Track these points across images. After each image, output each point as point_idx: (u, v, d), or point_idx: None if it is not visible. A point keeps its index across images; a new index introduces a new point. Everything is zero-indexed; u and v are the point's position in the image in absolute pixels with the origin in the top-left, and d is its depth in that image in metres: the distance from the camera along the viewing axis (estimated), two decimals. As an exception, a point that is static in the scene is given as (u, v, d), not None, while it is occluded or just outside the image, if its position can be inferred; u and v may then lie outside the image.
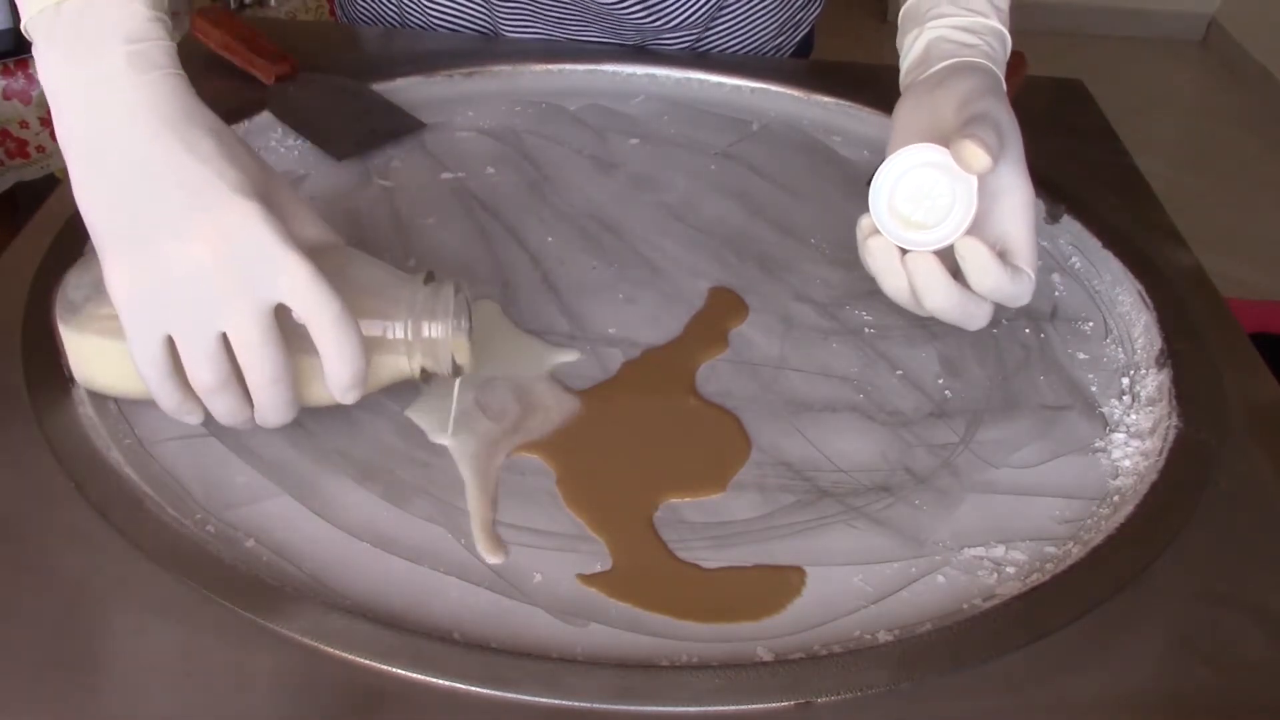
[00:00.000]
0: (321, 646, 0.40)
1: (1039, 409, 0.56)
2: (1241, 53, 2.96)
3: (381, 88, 0.75)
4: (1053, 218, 0.68)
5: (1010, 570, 0.47)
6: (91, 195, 0.44)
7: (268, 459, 0.49)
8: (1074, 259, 0.67)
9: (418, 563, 0.45)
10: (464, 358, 0.49)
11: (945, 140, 0.48)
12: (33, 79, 1.38)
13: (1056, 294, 0.64)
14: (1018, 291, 0.48)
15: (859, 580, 0.46)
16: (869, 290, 0.63)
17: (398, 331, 0.47)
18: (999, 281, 0.47)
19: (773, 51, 0.88)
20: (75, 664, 0.40)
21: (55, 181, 1.42)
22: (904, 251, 0.48)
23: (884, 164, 0.48)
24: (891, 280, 0.50)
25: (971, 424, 0.55)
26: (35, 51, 0.45)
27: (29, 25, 0.44)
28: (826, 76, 0.82)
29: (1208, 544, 0.48)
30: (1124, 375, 0.58)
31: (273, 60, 0.75)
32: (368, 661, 0.40)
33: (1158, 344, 0.58)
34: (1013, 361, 0.59)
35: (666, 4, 0.78)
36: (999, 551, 0.48)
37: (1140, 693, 0.42)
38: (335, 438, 0.51)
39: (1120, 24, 3.14)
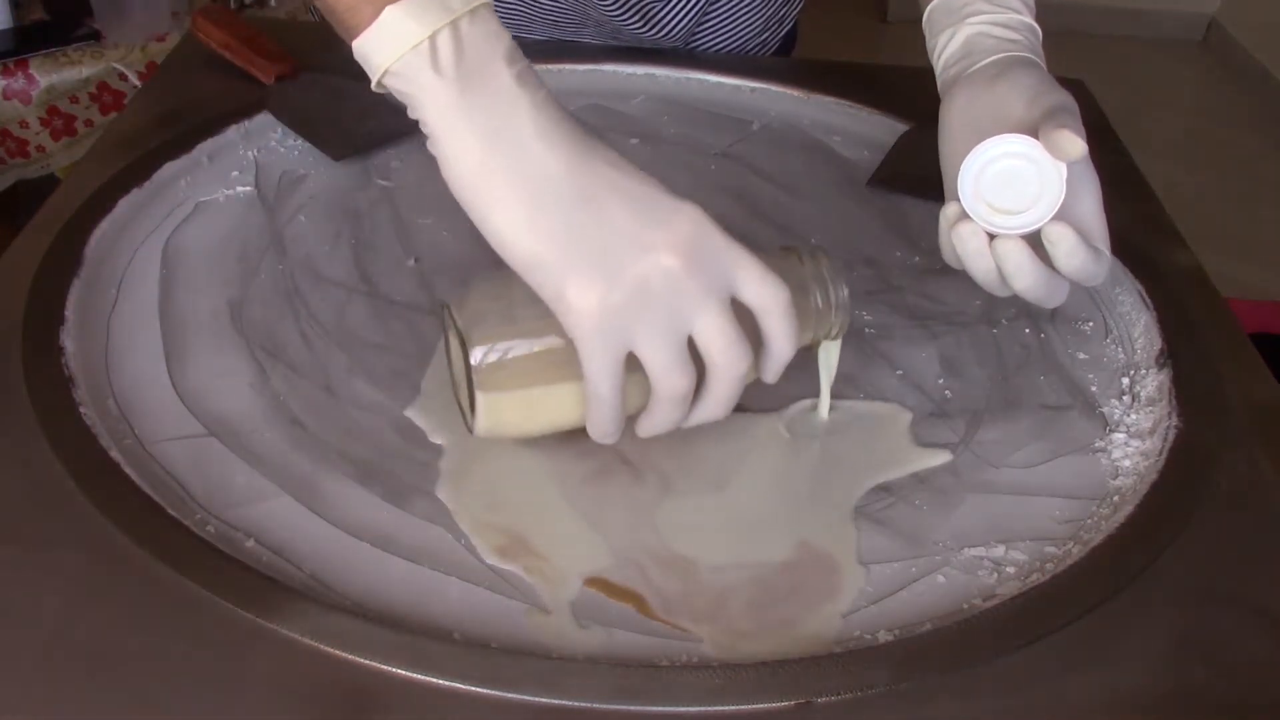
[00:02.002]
0: (321, 646, 0.40)
1: (1039, 409, 0.56)
2: (1241, 53, 2.96)
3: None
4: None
5: (1010, 570, 0.47)
6: (533, 227, 0.43)
7: (268, 459, 0.49)
8: (1074, 259, 0.66)
9: (418, 563, 0.45)
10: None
11: (1018, 130, 0.50)
12: (33, 79, 1.38)
13: (1056, 294, 0.64)
14: (1099, 270, 0.51)
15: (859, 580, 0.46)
16: (869, 290, 0.63)
17: (819, 301, 0.49)
18: (1085, 262, 0.49)
19: (758, 48, 0.88)
20: (75, 664, 0.40)
21: (55, 181, 1.42)
22: (990, 237, 0.50)
23: (972, 153, 0.50)
24: (980, 263, 0.51)
25: (971, 424, 0.55)
26: (417, 92, 0.43)
27: (396, 71, 0.43)
28: (826, 76, 0.82)
29: (1208, 544, 0.48)
30: (1124, 375, 0.58)
31: (273, 60, 0.75)
32: (368, 661, 0.40)
33: (1158, 344, 0.58)
34: (1013, 361, 0.59)
35: (658, 11, 0.79)
36: (999, 551, 0.48)
37: (1140, 693, 0.42)
38: (336, 438, 0.51)
39: (1120, 24, 3.14)
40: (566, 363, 0.45)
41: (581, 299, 0.43)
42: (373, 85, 0.44)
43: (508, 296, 0.46)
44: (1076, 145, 0.48)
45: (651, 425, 0.47)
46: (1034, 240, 0.50)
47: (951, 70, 0.57)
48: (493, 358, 0.45)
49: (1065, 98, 0.52)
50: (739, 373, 0.45)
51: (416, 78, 0.43)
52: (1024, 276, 0.50)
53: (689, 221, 0.44)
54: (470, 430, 0.48)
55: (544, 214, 0.43)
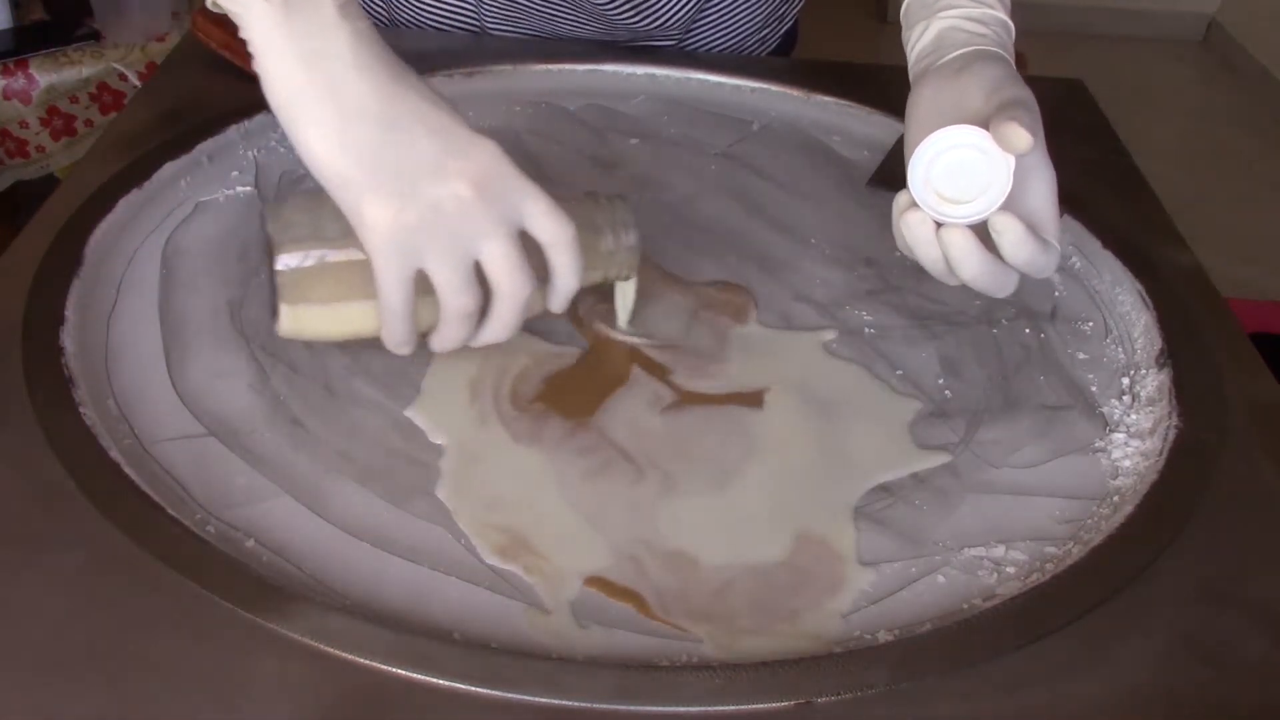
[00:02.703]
0: (321, 646, 0.40)
1: (1039, 409, 0.56)
2: (1241, 53, 2.95)
3: (381, 88, 0.75)
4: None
5: (1010, 570, 0.47)
6: (341, 146, 0.46)
7: (268, 459, 0.49)
8: (1074, 259, 0.66)
9: (418, 563, 0.45)
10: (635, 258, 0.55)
11: (975, 122, 0.51)
12: (33, 79, 1.37)
13: (1056, 294, 0.64)
14: (1047, 262, 0.51)
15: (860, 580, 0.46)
16: (869, 290, 0.63)
17: (610, 242, 0.53)
18: (1032, 253, 0.50)
19: (758, 44, 0.88)
20: (75, 664, 0.40)
21: (55, 181, 1.42)
22: (939, 226, 0.51)
23: (923, 143, 0.50)
24: (927, 251, 0.52)
25: (971, 424, 0.55)
26: (244, 12, 0.46)
27: None
28: (826, 76, 0.82)
29: (1208, 544, 0.48)
30: (1124, 375, 0.58)
31: (273, 60, 0.75)
32: (368, 661, 0.40)
33: (1158, 344, 0.58)
34: (1013, 361, 0.59)
35: (653, 4, 0.79)
36: (999, 551, 0.48)
37: (1140, 693, 0.42)
38: (336, 438, 0.51)
39: (1120, 24, 3.14)
40: (365, 278, 0.48)
41: (377, 215, 0.46)
42: (208, 4, 0.47)
43: (318, 211, 0.49)
44: (1023, 138, 0.49)
45: (441, 341, 0.50)
46: (984, 231, 0.50)
47: (922, 63, 0.58)
48: (294, 263, 0.49)
49: (1023, 92, 0.53)
50: (521, 298, 0.49)
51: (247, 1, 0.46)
52: (969, 265, 0.51)
53: (486, 155, 0.47)
54: (276, 330, 0.51)
55: (352, 135, 0.46)
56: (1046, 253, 0.51)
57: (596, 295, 0.58)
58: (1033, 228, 0.50)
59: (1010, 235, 0.49)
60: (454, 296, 0.48)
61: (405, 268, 0.47)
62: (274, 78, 0.46)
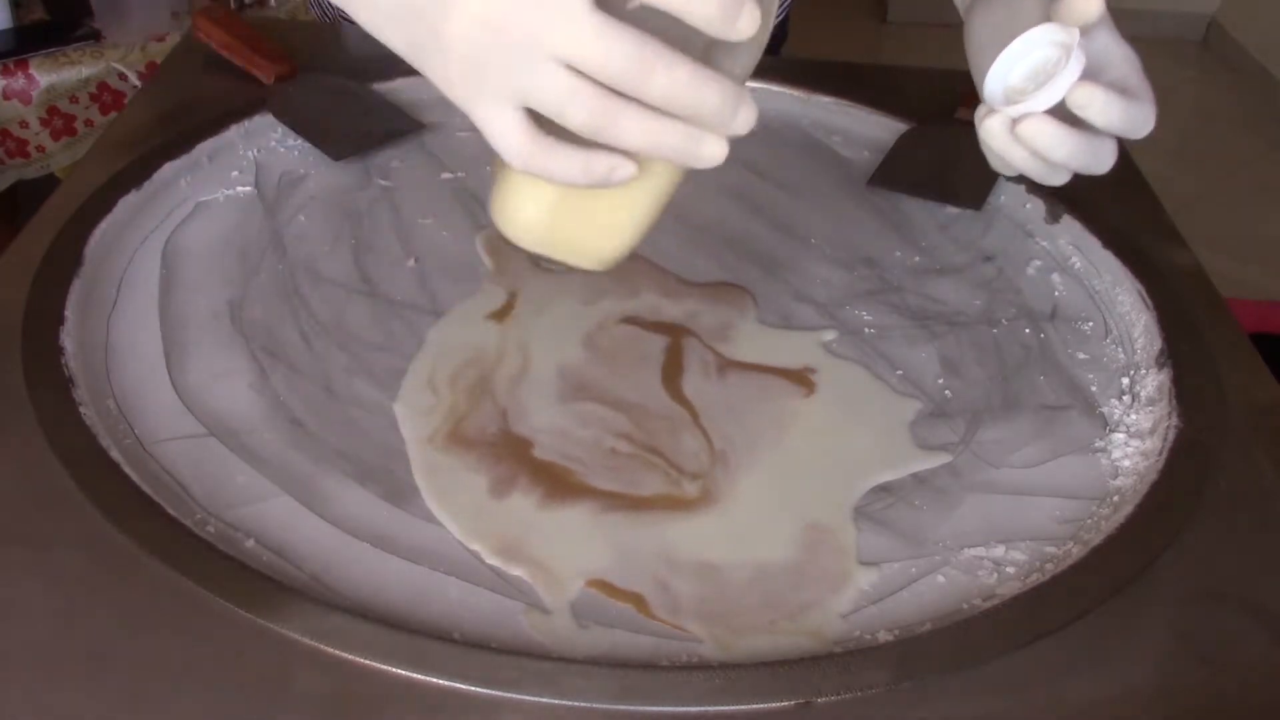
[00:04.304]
0: (321, 646, 0.40)
1: (1039, 409, 0.56)
2: (1241, 53, 2.95)
3: (381, 88, 0.75)
4: (1053, 217, 0.68)
5: (1010, 570, 0.47)
6: (376, 20, 0.42)
7: (267, 459, 0.49)
8: (1074, 259, 0.66)
9: (418, 563, 0.45)
10: None
11: (1035, 24, 0.49)
12: (33, 79, 1.38)
13: (1056, 294, 0.64)
14: (1141, 115, 0.49)
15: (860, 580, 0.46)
16: (869, 290, 0.63)
17: None
18: (1123, 110, 0.48)
19: None
20: (75, 664, 0.40)
21: (55, 181, 1.42)
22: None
23: (997, 61, 0.49)
24: (1015, 152, 0.50)
25: (971, 424, 0.55)
26: None
27: None
28: (826, 76, 0.82)
29: (1208, 544, 0.48)
30: (1124, 375, 0.58)
31: (273, 60, 0.75)
32: (368, 661, 0.40)
33: (1158, 344, 0.58)
34: (1013, 361, 0.59)
35: None
36: (999, 551, 0.48)
37: (1140, 693, 0.42)
38: (336, 438, 0.51)
39: (1120, 24, 3.12)
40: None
41: (436, 82, 0.41)
42: None
43: None
44: (1090, 6, 0.47)
45: (655, 151, 0.42)
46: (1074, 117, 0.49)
47: None
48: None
49: None
50: (643, 67, 0.38)
51: None
52: (1060, 147, 0.49)
53: None
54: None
55: (374, 4, 0.41)
56: (1137, 106, 0.49)
57: None
58: (1119, 92, 0.48)
59: (1095, 103, 0.47)
60: (567, 117, 0.39)
61: (506, 110, 0.40)
62: None
